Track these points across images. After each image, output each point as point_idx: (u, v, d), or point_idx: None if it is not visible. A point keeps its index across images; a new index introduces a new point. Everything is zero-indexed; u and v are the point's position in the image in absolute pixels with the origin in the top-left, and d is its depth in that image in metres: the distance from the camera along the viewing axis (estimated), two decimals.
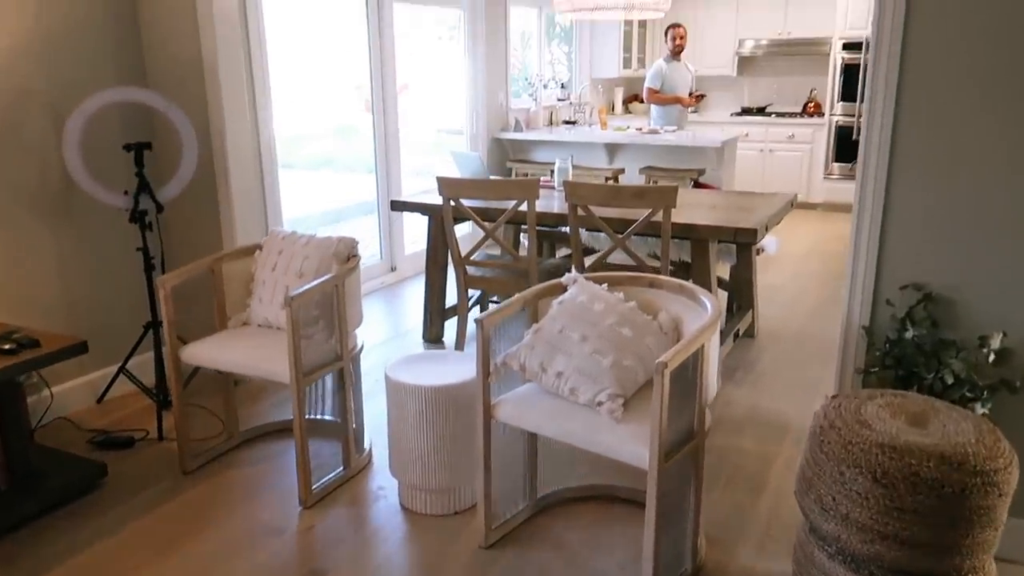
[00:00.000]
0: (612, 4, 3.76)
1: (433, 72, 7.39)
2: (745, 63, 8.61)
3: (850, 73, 7.64)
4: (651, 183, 6.03)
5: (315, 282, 2.65)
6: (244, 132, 3.62)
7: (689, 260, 3.75)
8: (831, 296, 5.16)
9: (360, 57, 5.30)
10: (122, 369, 3.46)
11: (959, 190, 2.27)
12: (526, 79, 7.21)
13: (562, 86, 7.80)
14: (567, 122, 7.50)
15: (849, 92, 7.66)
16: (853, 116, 7.61)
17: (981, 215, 2.25)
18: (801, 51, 8.27)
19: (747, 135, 7.83)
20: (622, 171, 6.22)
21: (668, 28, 6.67)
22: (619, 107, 8.80)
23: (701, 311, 2.30)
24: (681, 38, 6.57)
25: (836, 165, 7.97)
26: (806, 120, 8.11)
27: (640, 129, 6.56)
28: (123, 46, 3.49)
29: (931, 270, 2.33)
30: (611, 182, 6.12)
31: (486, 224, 3.71)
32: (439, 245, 4.15)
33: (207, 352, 2.81)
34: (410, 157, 9.81)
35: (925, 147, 2.28)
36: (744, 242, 3.62)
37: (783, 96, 8.62)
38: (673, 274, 3.56)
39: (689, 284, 2.40)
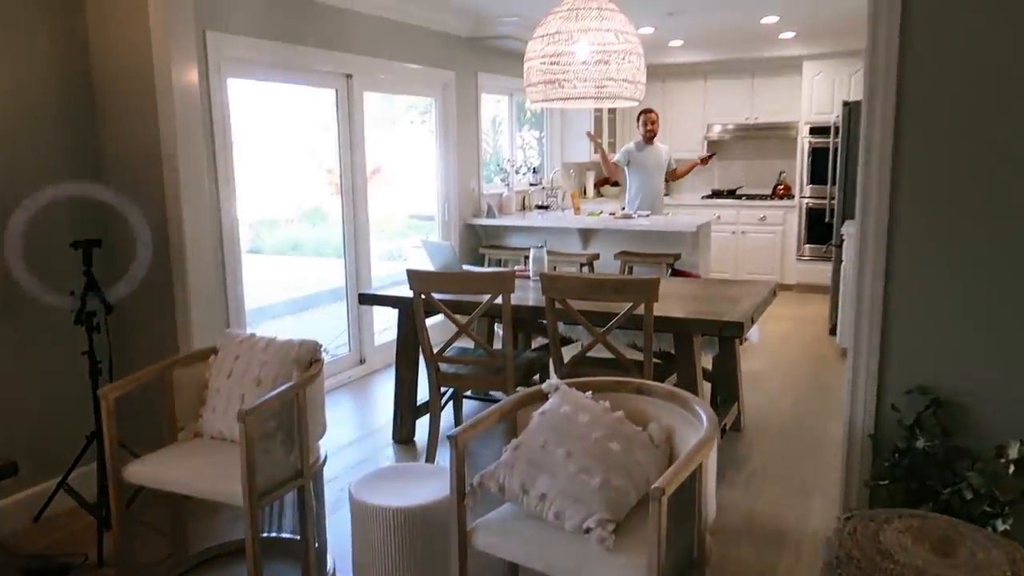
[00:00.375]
0: (583, 94, 3.68)
1: (405, 156, 7.34)
2: (714, 147, 8.71)
3: (818, 156, 7.72)
4: (626, 269, 5.93)
5: (273, 392, 2.42)
6: (204, 223, 3.43)
7: (672, 351, 3.59)
8: (815, 383, 5.01)
9: (330, 141, 5.20)
10: (62, 484, 3.15)
11: (964, 286, 2.14)
12: (497, 164, 7.17)
13: (534, 171, 7.79)
14: (540, 207, 7.45)
15: (818, 174, 7.73)
16: (823, 198, 7.66)
17: (990, 313, 2.12)
18: (769, 135, 8.40)
19: (719, 218, 7.83)
20: (596, 257, 6.12)
21: (640, 114, 6.70)
22: (591, 191, 8.81)
23: (695, 422, 2.11)
24: (653, 123, 6.60)
25: (808, 247, 7.97)
26: (776, 202, 8.15)
27: (614, 214, 6.50)
28: (77, 135, 3.33)
29: (938, 372, 2.18)
30: (586, 268, 6.01)
31: (460, 318, 3.53)
32: (409, 340, 3.95)
33: (152, 471, 2.55)
34: (382, 242, 9.68)
35: (926, 239, 2.16)
36: (730, 335, 3.48)
37: (753, 179, 8.70)
38: (656, 367, 3.39)
39: (681, 392, 2.22)
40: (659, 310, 3.32)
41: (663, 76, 8.62)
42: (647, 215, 6.42)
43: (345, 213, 5.27)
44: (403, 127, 7.25)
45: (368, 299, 4.05)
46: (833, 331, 6.13)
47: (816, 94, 7.78)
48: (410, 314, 3.79)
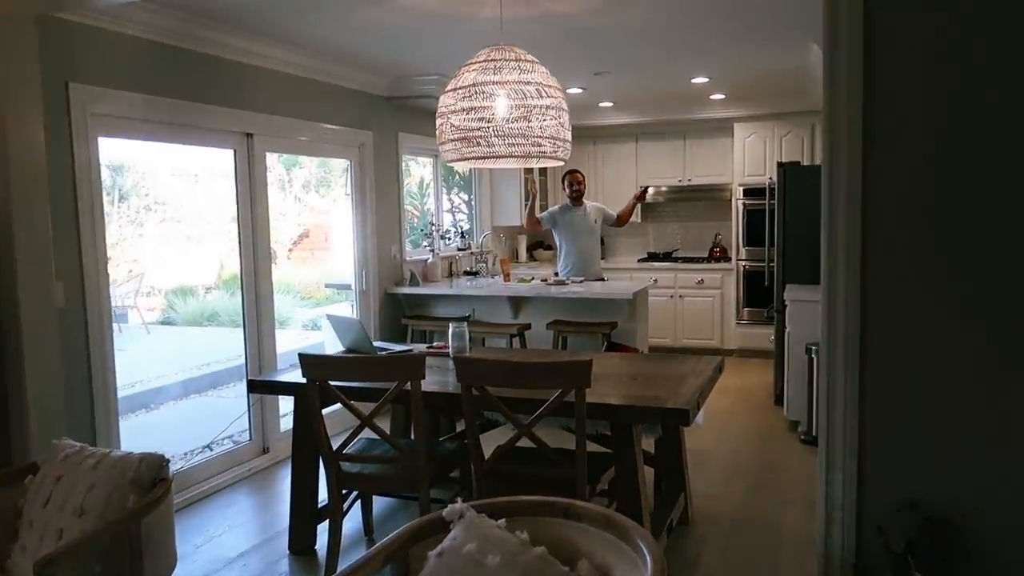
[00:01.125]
0: (502, 153, 3.29)
1: (338, 220, 6.80)
2: (649, 209, 8.49)
3: (753, 218, 7.54)
4: (560, 340, 5.50)
5: (92, 530, 1.86)
6: (47, 308, 2.86)
7: (609, 432, 3.14)
8: (766, 461, 4.62)
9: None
10: None
11: (952, 376, 1.76)
12: (421, 229, 6.73)
13: (462, 235, 7.38)
14: (468, 273, 7.01)
15: (754, 236, 7.53)
16: (760, 261, 7.43)
17: (989, 408, 1.73)
18: (703, 196, 8.21)
19: (656, 281, 7.51)
20: (528, 327, 5.68)
21: (564, 175, 6.42)
22: (523, 255, 8.44)
23: (636, 559, 1.64)
24: (579, 183, 6.30)
25: (747, 310, 7.72)
26: (714, 265, 7.91)
27: (546, 280, 6.10)
28: None
29: (930, 483, 1.77)
30: (516, 340, 5.57)
31: (366, 406, 3.02)
32: (307, 432, 3.40)
33: None
34: (306, 311, 9.02)
35: (905, 322, 1.78)
36: (674, 424, 3.05)
37: (689, 241, 8.47)
38: (592, 456, 2.92)
39: (618, 519, 1.75)
40: (593, 395, 2.87)
41: (594, 137, 8.40)
42: (580, 280, 6.05)
43: (245, 283, 4.72)
44: (339, 190, 6.79)
45: (259, 386, 3.49)
46: (779, 400, 5.79)
47: (749, 155, 7.64)
48: (307, 403, 3.25)
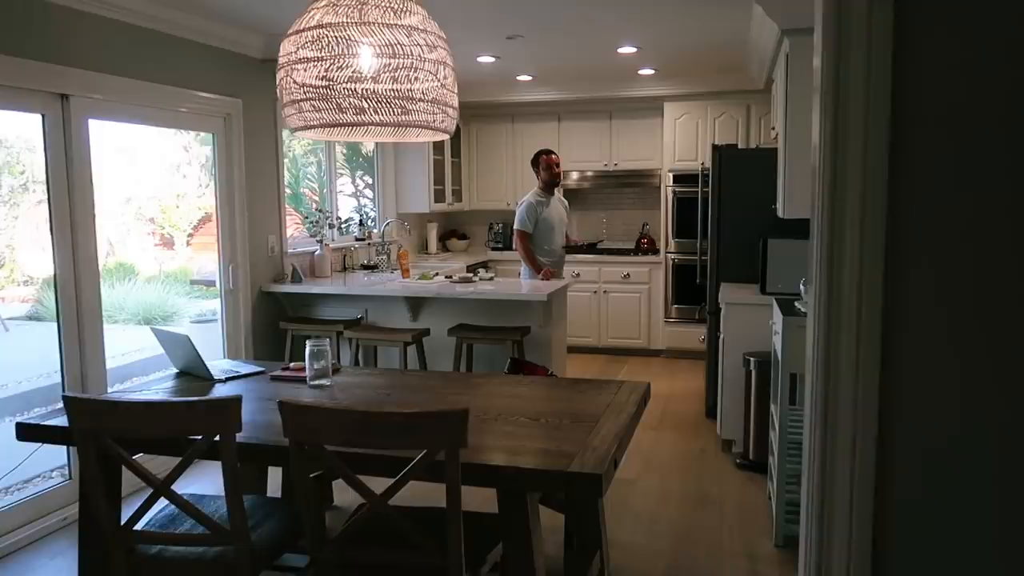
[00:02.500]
0: (369, 121, 2.46)
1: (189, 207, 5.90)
2: (571, 196, 7.77)
3: (683, 207, 6.91)
4: (463, 348, 4.73)
5: None
6: None
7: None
8: (697, 492, 3.94)
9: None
10: None
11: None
12: (310, 218, 5.82)
13: (360, 223, 6.50)
14: (366, 267, 6.15)
15: (684, 227, 6.91)
16: (691, 254, 6.82)
17: None
18: (630, 183, 7.53)
19: (578, 275, 6.81)
20: (427, 332, 4.88)
21: (538, 156, 5.55)
22: (433, 245, 7.60)
23: None
24: (558, 166, 5.51)
25: (676, 307, 7.10)
26: (641, 258, 7.25)
27: (450, 277, 5.30)
28: None
29: None
30: (412, 349, 4.76)
31: (164, 463, 2.16)
32: (94, 499, 2.50)
33: None
34: (199, 301, 7.82)
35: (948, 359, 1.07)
36: (582, 496, 2.30)
37: (615, 231, 7.79)
38: (473, 525, 2.14)
39: None
40: (476, 452, 2.11)
41: (512, 116, 7.62)
42: (491, 279, 5.28)
43: (60, 276, 3.76)
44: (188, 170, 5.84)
45: (28, 432, 2.57)
46: (710, 413, 5.16)
47: (680, 138, 6.98)
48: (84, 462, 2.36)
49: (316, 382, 2.94)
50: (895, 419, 1.34)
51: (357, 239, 6.42)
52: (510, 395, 2.82)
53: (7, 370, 6.29)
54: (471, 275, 5.25)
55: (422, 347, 4.85)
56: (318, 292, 5.16)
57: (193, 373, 3.13)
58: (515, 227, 5.41)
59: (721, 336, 4.58)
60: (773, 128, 5.03)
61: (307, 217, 5.79)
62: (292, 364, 3.24)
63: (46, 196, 3.69)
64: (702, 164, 5.94)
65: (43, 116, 3.60)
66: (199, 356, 3.04)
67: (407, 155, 7.02)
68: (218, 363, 3.36)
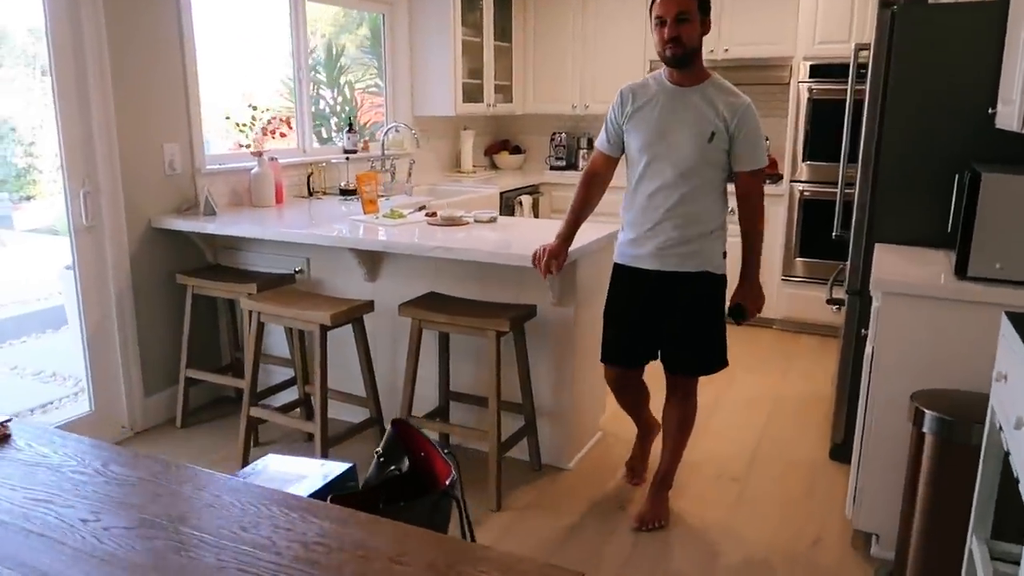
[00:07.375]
0: None
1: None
2: None
3: (824, 114, 4.65)
4: (429, 338, 2.90)
5: None
6: None
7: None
8: None
9: None
10: None
11: None
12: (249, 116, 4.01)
13: (349, 127, 4.68)
14: (344, 192, 4.35)
15: (822, 145, 4.67)
16: (830, 184, 4.61)
17: None
18: (745, 78, 5.25)
19: None
20: (370, 307, 3.05)
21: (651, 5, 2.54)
22: (467, 162, 5.67)
23: None
24: (679, 23, 2.54)
25: (801, 261, 4.93)
26: None
27: (433, 214, 3.43)
28: None
29: None
30: (329, 330, 2.96)
31: None
32: None
33: None
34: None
35: None
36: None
37: None
38: None
39: None
40: None
41: None
42: (491, 220, 3.37)
43: None
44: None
45: None
46: (837, 454, 3.15)
47: (825, 8, 4.65)
48: None
49: None
50: None
51: (346, 151, 4.63)
52: None
53: None
54: (462, 214, 3.34)
55: (364, 334, 3.04)
56: (240, 235, 3.41)
57: None
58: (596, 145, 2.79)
59: (871, 349, 2.51)
60: None
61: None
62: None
63: None
64: (856, 46, 3.66)
65: None
66: None
67: (424, 34, 5.05)
68: None
